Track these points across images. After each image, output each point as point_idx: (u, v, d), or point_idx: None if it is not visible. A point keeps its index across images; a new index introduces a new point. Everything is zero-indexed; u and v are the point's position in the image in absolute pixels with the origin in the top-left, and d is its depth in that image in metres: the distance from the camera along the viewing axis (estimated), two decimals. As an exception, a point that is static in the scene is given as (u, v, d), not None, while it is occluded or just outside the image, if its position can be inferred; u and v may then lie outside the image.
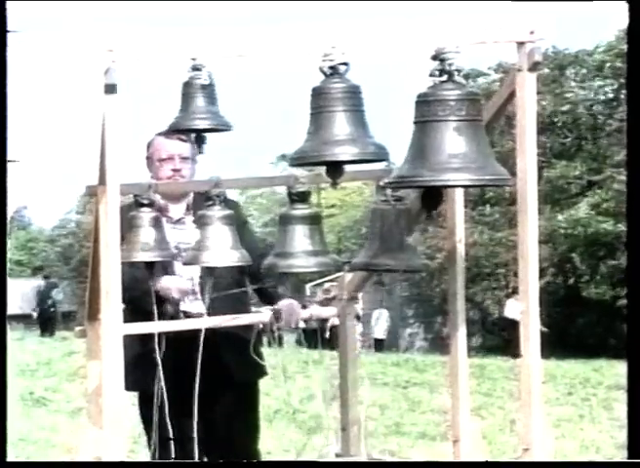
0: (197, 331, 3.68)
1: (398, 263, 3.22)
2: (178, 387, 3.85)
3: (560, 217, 26.58)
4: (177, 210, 4.21)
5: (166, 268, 4.04)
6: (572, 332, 25.30)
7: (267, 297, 4.20)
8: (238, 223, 3.62)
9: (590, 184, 27.60)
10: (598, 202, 26.52)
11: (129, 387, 4.04)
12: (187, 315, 4.06)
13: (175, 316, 4.02)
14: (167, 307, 4.00)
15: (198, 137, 4.10)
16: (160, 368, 3.64)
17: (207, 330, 3.68)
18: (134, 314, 3.78)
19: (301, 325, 4.16)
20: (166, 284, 4.01)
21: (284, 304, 4.05)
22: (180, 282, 4.06)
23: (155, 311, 3.71)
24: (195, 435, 3.63)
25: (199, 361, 3.64)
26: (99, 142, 3.01)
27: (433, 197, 2.96)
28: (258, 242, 4.49)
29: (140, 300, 3.80)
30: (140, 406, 4.23)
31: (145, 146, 4.25)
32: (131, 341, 3.67)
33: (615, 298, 25.29)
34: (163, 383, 3.70)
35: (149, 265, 3.61)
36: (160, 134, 4.14)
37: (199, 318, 3.86)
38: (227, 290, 4.02)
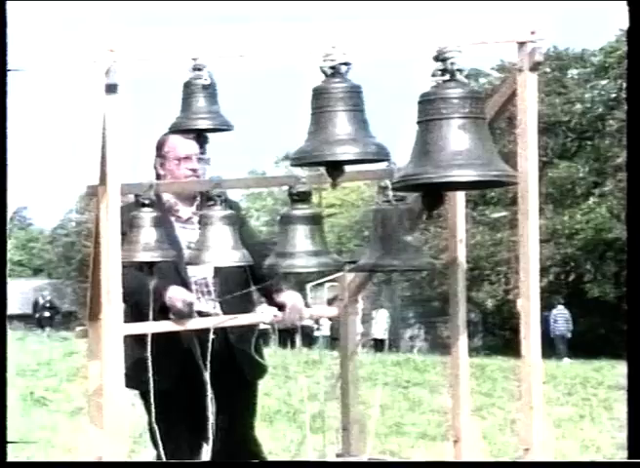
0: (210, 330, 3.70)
1: (404, 263, 3.21)
2: (190, 385, 3.88)
3: (563, 218, 26.57)
4: (186, 209, 4.18)
5: (178, 268, 3.99)
6: (573, 333, 25.26)
7: (271, 295, 4.17)
8: (238, 224, 3.61)
9: (594, 185, 27.59)
10: (601, 202, 26.51)
11: (138, 386, 4.04)
12: (202, 314, 4.04)
13: (189, 316, 3.98)
14: (171, 315, 3.95)
15: (200, 137, 4.10)
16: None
17: (222, 329, 3.67)
18: (141, 316, 3.77)
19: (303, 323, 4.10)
20: (173, 294, 3.90)
21: (288, 299, 4.00)
22: (186, 294, 3.93)
23: (150, 311, 3.67)
24: (210, 435, 3.63)
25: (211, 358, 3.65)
26: (99, 142, 3.01)
27: (434, 197, 2.96)
28: (260, 242, 4.44)
29: (147, 302, 3.76)
30: (147, 402, 4.18)
31: (157, 144, 4.19)
32: (140, 342, 3.67)
33: (616, 299, 25.28)
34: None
35: (150, 265, 3.60)
36: (173, 132, 4.07)
37: (214, 316, 3.87)
38: (237, 289, 4.02)
